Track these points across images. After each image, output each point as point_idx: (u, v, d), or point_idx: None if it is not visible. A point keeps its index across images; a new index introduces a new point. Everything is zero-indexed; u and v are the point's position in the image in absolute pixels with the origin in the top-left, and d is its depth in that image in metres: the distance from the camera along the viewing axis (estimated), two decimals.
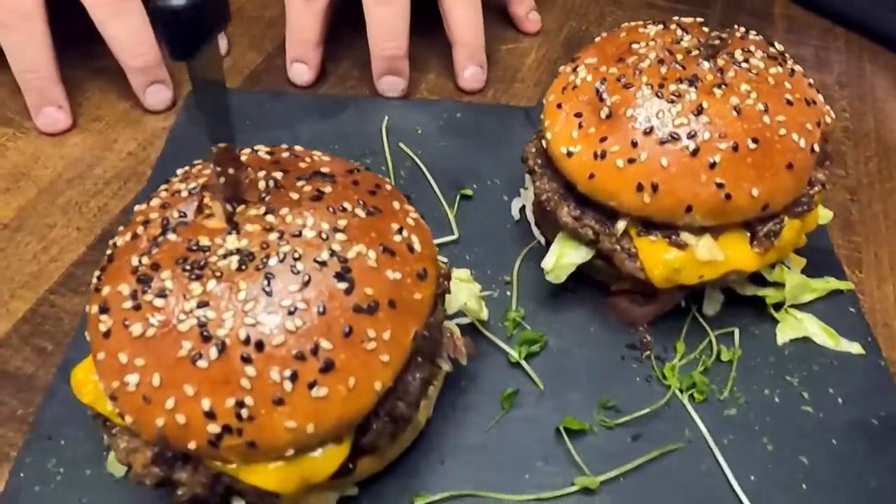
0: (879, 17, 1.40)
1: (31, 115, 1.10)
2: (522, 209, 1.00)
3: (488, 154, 1.08)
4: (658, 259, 0.79)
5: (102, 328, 0.60)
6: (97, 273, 0.64)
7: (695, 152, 0.74)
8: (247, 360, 0.56)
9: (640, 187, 0.76)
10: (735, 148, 0.74)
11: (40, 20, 1.02)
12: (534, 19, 1.34)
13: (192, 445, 0.57)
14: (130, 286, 0.60)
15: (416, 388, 0.66)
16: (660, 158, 0.75)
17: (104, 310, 0.61)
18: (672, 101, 0.76)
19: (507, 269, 0.93)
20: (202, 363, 0.56)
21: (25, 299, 0.90)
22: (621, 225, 0.80)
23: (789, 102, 0.77)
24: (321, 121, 1.13)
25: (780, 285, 0.87)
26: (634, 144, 0.76)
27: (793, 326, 0.88)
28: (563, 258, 0.85)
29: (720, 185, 0.74)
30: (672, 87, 0.77)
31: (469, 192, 1.02)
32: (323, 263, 0.60)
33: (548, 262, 0.85)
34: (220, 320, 0.57)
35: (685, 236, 0.78)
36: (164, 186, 0.68)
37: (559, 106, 0.84)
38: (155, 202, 0.66)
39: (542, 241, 0.96)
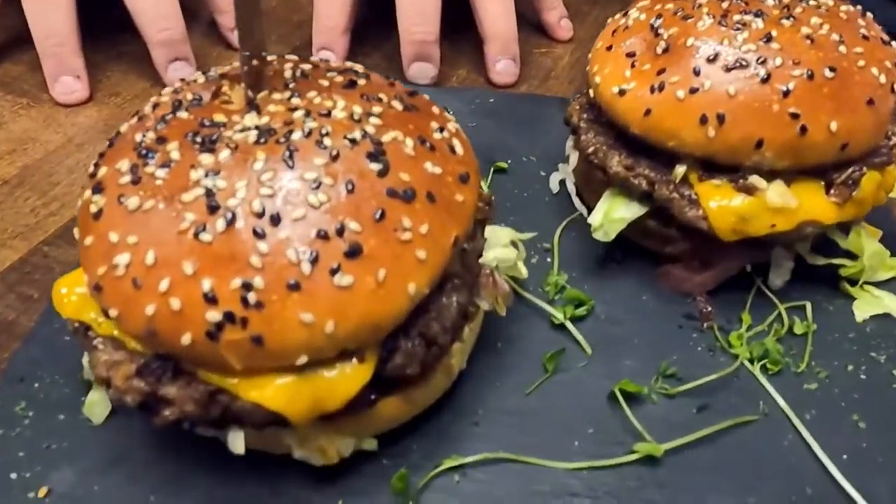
0: None
1: (48, 84, 1.05)
2: (562, 183, 0.92)
3: (523, 134, 1.01)
4: (724, 205, 0.70)
5: (93, 209, 0.52)
6: (95, 161, 0.56)
7: (765, 79, 0.67)
8: (259, 234, 0.47)
9: (703, 120, 0.68)
10: (810, 76, 0.67)
11: None
12: (566, 26, 1.31)
13: (185, 339, 0.47)
14: (130, 161, 0.52)
15: (452, 314, 0.56)
16: (726, 86, 0.67)
17: (98, 190, 0.52)
18: (738, 29, 0.69)
19: (546, 239, 0.84)
20: (206, 236, 0.47)
21: (17, 249, 0.82)
22: (680, 170, 0.72)
23: (865, 38, 0.71)
24: None
25: (853, 257, 0.78)
26: (697, 72, 0.69)
27: (871, 303, 0.78)
28: (613, 213, 0.76)
29: (795, 116, 0.66)
30: (736, 17, 0.70)
31: (504, 164, 0.95)
32: (354, 141, 0.52)
33: (595, 218, 0.77)
34: (231, 190, 0.48)
35: (754, 180, 0.70)
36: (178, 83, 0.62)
37: (609, 48, 0.78)
38: (167, 90, 0.59)
39: (585, 212, 0.87)
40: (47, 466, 0.59)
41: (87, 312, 0.55)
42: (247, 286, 0.47)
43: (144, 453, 0.61)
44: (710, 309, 0.76)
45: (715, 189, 0.71)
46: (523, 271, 0.74)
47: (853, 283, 0.79)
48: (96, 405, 0.62)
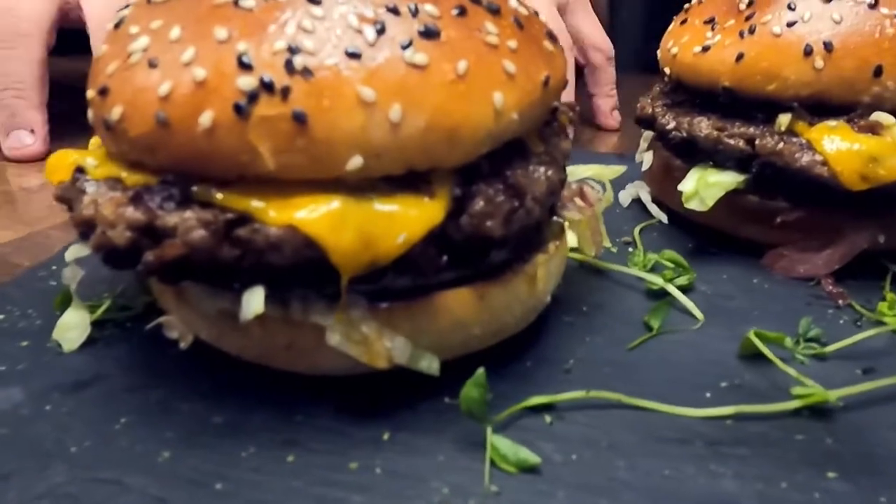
0: None
1: None
2: (635, 201, 0.82)
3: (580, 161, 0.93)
4: (846, 148, 0.59)
5: (113, 22, 0.43)
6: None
7: (874, 3, 0.60)
8: (314, 1, 0.38)
9: (808, 51, 0.60)
10: None
11: (36, 42, 0.93)
12: (616, 117, 1.30)
13: (205, 118, 0.36)
14: None
15: (542, 184, 0.44)
16: (830, 14, 0.61)
17: (123, 7, 0.44)
18: None
19: (625, 235, 0.72)
20: (247, 2, 0.38)
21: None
22: (784, 118, 0.62)
23: None
24: None
25: None
26: (792, 7, 0.62)
27: None
28: (707, 178, 0.65)
29: None
30: None
31: None
32: None
33: (687, 185, 0.66)
34: None
35: (878, 115, 0.60)
36: None
37: (683, 22, 0.73)
38: None
39: (664, 218, 0.76)
40: None
41: (81, 161, 0.43)
42: (293, 49, 0.36)
43: (120, 379, 0.45)
44: (841, 290, 0.62)
45: (831, 131, 0.60)
46: (605, 239, 0.61)
47: None
48: (70, 329, 0.48)
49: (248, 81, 0.36)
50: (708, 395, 0.47)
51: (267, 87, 0.35)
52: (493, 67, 0.40)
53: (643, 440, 0.42)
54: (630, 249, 0.69)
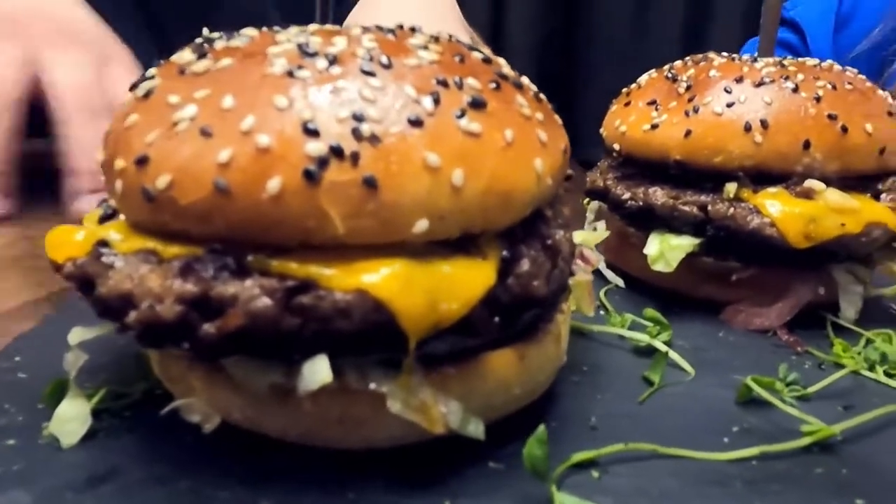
0: None
1: None
2: None
3: None
4: (788, 210, 0.67)
5: (140, 92, 0.42)
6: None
7: (795, 89, 0.70)
8: (369, 73, 0.39)
9: (747, 127, 0.68)
10: (833, 87, 0.70)
11: (6, 112, 0.92)
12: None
13: (273, 185, 0.35)
14: (192, 50, 0.44)
15: (569, 246, 0.47)
16: (761, 97, 0.69)
17: (147, 78, 0.43)
18: (754, 62, 0.74)
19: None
20: (303, 73, 0.38)
21: None
22: (731, 186, 0.70)
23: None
24: None
25: None
26: (728, 91, 0.71)
27: None
28: (670, 242, 0.71)
29: (832, 118, 0.68)
30: (745, 58, 0.76)
31: None
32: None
33: (651, 248, 0.71)
34: (328, 43, 0.41)
35: (810, 183, 0.68)
36: None
37: (627, 104, 0.80)
38: None
39: (621, 282, 0.80)
40: None
41: (102, 234, 0.41)
42: (358, 117, 0.37)
43: (138, 470, 0.41)
44: (796, 338, 0.68)
45: (773, 196, 0.68)
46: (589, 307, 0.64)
47: None
48: (69, 421, 0.43)
49: (317, 147, 0.36)
50: (725, 439, 0.49)
51: (336, 152, 0.36)
52: (531, 136, 0.43)
53: (686, 485, 0.43)
54: (602, 312, 0.72)
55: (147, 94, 0.41)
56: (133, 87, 0.43)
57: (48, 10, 1.00)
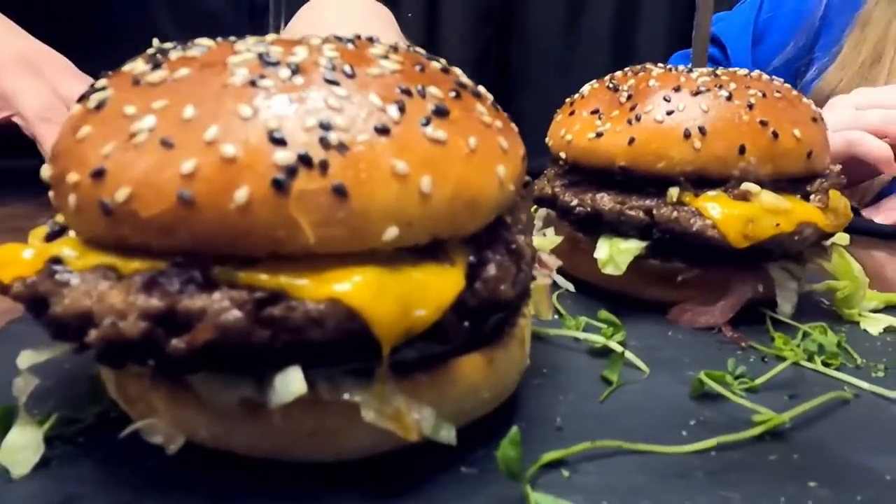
0: None
1: None
2: None
3: None
4: (728, 212, 0.70)
5: (92, 104, 0.40)
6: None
7: (729, 97, 0.73)
8: (333, 82, 0.39)
9: (687, 134, 0.71)
10: (763, 95, 0.74)
11: None
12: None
13: (241, 194, 0.35)
14: (146, 61, 0.43)
15: (530, 250, 0.48)
16: (698, 105, 0.73)
17: (97, 89, 0.42)
18: (689, 72, 0.78)
19: None
20: (266, 82, 0.38)
21: None
22: (674, 191, 0.73)
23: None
24: None
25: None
26: (668, 100, 0.74)
27: (876, 321, 0.77)
28: (618, 246, 0.73)
29: (764, 124, 0.72)
30: (681, 69, 0.79)
31: None
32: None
33: (601, 253, 0.73)
34: (288, 53, 0.41)
35: (747, 185, 0.71)
36: None
37: (571, 114, 0.82)
38: None
39: (571, 286, 0.82)
40: None
41: (54, 251, 0.39)
42: (325, 126, 0.37)
43: (98, 498, 0.39)
44: (739, 334, 0.71)
45: (713, 199, 0.71)
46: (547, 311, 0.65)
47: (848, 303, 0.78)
48: (20, 450, 0.41)
49: (285, 156, 0.35)
50: (684, 433, 0.51)
51: (305, 161, 0.36)
52: (493, 143, 0.43)
53: (652, 479, 0.45)
54: (555, 316, 0.74)
55: (99, 106, 0.40)
56: (82, 99, 0.42)
57: None
